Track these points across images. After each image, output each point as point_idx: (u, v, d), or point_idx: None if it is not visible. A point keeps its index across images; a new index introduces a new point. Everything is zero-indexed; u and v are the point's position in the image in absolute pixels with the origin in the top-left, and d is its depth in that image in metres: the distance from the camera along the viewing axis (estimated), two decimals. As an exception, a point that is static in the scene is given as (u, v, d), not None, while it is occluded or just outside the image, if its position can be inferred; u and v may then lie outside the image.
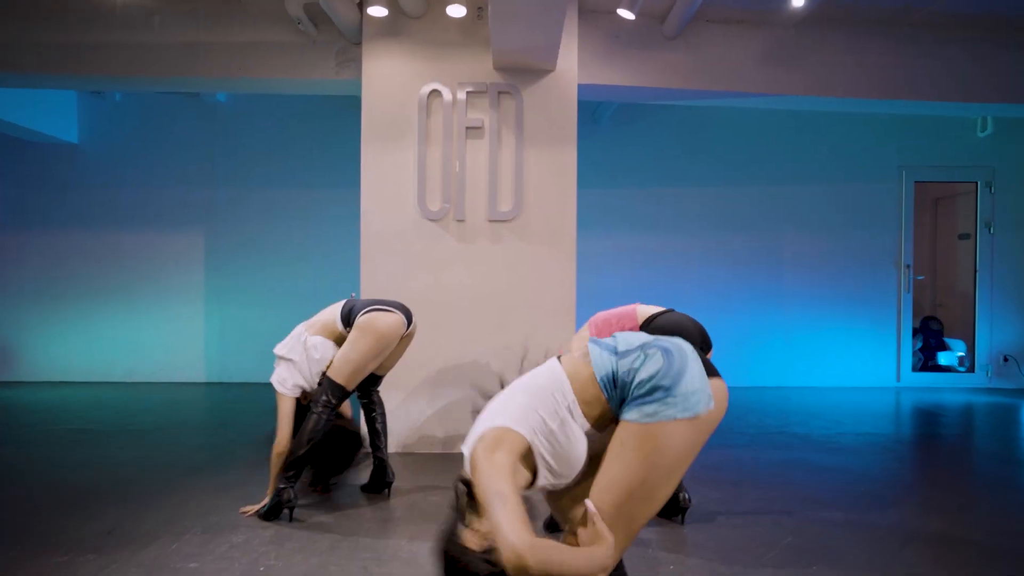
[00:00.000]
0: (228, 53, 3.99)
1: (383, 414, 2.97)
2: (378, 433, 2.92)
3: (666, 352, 1.44)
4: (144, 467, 3.30)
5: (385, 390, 3.07)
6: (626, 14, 3.44)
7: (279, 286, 5.79)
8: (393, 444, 3.58)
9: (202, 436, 4.02)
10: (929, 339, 6.44)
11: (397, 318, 2.73)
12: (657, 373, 1.40)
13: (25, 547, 2.33)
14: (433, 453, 3.69)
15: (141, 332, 5.86)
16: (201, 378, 5.86)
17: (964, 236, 6.42)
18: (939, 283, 7.07)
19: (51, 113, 5.62)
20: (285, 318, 5.60)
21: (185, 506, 2.75)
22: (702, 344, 2.49)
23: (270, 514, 2.59)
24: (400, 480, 3.06)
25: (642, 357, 1.44)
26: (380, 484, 2.91)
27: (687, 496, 2.55)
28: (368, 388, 2.94)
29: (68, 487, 2.99)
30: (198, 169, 5.86)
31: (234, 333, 5.86)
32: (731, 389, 5.17)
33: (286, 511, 2.60)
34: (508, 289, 3.73)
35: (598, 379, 1.44)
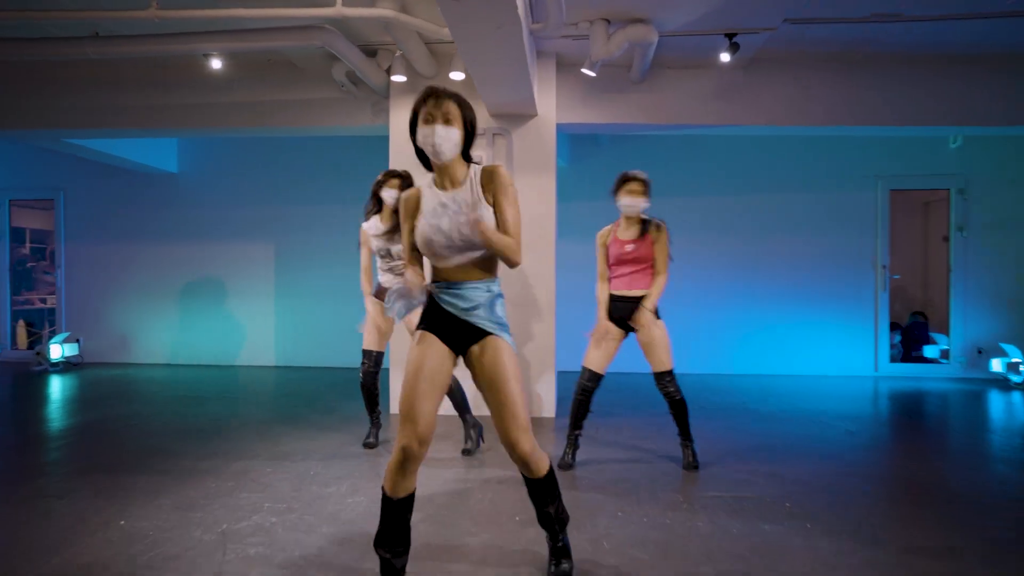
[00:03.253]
0: (288, 108, 5.19)
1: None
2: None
3: None
4: (232, 418, 4.53)
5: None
6: (588, 72, 4.37)
7: (333, 285, 7.01)
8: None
9: (273, 401, 5.24)
10: (914, 333, 6.99)
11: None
12: None
13: (165, 463, 3.54)
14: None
15: (225, 324, 7.23)
16: (272, 362, 7.17)
17: (947, 238, 6.93)
18: (928, 281, 7.56)
19: (157, 150, 7.06)
20: (337, 311, 6.93)
21: (262, 441, 3.92)
22: None
23: None
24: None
25: None
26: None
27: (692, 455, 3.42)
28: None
29: (181, 426, 4.23)
30: (269, 192, 7.18)
31: (297, 325, 7.13)
32: (721, 376, 6.35)
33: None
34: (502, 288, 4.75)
35: None
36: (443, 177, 2.05)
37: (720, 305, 6.69)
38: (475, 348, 2.03)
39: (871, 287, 6.62)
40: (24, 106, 5.38)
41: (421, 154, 2.05)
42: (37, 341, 7.61)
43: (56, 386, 5.95)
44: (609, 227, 3.45)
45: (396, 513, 1.96)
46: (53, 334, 7.39)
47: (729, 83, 4.97)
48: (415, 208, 2.06)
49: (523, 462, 2.04)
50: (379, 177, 3.69)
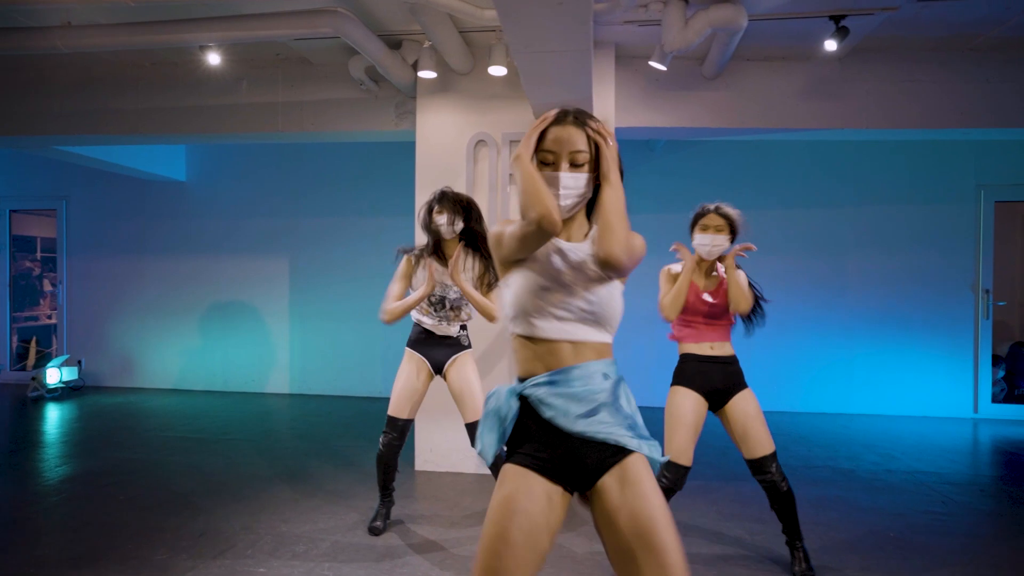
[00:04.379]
0: (304, 110, 4.51)
1: None
2: None
3: None
4: (232, 474, 3.85)
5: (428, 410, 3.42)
6: (658, 66, 3.59)
7: (353, 304, 6.33)
8: (431, 461, 3.95)
9: (282, 446, 4.56)
10: (1018, 365, 6.05)
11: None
12: None
13: (135, 542, 2.86)
14: (470, 473, 4.01)
15: (236, 346, 6.61)
16: (285, 389, 6.52)
17: (1058, 256, 5.97)
18: (1031, 306, 6.60)
19: (164, 158, 6.47)
20: (359, 334, 6.24)
21: (261, 514, 3.23)
22: None
23: None
24: (449, 495, 3.39)
25: None
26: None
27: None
28: None
29: (172, 491, 3.56)
30: (283, 203, 6.54)
31: (314, 349, 6.47)
32: (788, 415, 5.28)
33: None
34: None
35: None
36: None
37: (795, 333, 5.83)
38: (608, 481, 1.33)
39: (970, 314, 5.70)
40: (10, 111, 4.80)
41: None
42: (46, 360, 7.10)
43: (51, 417, 5.38)
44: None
45: None
46: (55, 354, 6.87)
47: (822, 79, 4.14)
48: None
49: None
50: (429, 199, 2.93)
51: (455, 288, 2.87)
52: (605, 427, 1.33)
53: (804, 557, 2.63)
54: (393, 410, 2.92)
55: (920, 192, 5.74)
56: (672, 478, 2.53)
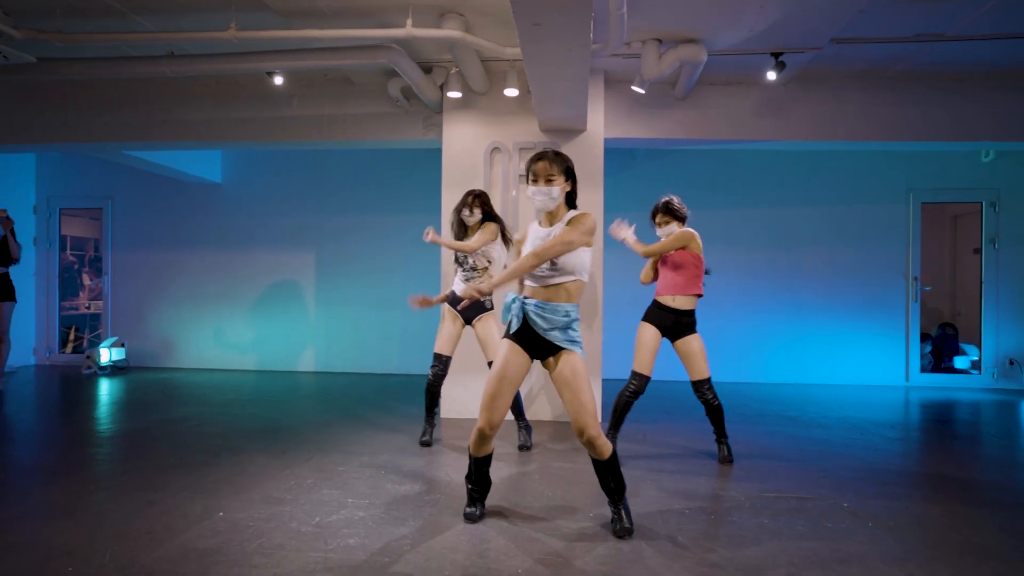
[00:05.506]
0: (344, 122, 5.40)
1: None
2: None
3: None
4: (290, 419, 4.70)
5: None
6: (638, 90, 4.55)
7: (373, 294, 7.19)
8: (453, 410, 4.84)
9: (325, 404, 5.40)
10: (945, 344, 7.08)
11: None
12: None
13: (240, 461, 3.71)
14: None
15: (267, 330, 7.43)
16: (312, 368, 7.35)
17: (978, 250, 7.03)
18: (957, 293, 7.65)
19: (202, 160, 7.30)
20: (378, 320, 7.11)
21: (326, 439, 4.09)
22: None
23: None
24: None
25: None
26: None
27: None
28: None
29: (249, 427, 4.40)
30: (310, 202, 7.40)
31: (338, 332, 7.31)
32: (757, 384, 6.56)
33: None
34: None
35: None
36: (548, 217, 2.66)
37: (755, 315, 6.81)
38: (551, 359, 2.61)
39: (902, 298, 6.73)
40: (92, 121, 5.63)
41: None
42: (80, 346, 7.84)
43: (109, 388, 6.15)
44: None
45: (480, 466, 2.76)
46: (97, 338, 7.62)
47: (769, 100, 5.13)
48: (524, 236, 2.76)
49: (590, 444, 2.55)
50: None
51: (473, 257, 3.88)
52: (554, 337, 2.55)
53: (727, 449, 3.70)
54: (439, 348, 3.88)
55: (860, 195, 6.77)
56: (637, 384, 3.60)
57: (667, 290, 3.59)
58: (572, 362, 2.54)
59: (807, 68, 4.82)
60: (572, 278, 2.53)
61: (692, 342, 3.55)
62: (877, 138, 5.16)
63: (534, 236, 2.63)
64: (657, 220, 3.68)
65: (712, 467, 3.62)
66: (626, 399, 3.62)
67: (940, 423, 5.08)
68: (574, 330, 2.57)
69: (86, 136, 5.63)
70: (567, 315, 2.54)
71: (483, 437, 2.64)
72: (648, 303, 3.70)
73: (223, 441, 4.08)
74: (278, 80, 4.80)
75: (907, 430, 4.70)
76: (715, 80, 5.09)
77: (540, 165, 2.53)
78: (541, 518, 2.79)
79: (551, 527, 2.70)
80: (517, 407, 3.95)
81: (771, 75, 4.50)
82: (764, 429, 4.60)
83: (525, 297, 2.59)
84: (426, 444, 3.96)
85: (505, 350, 2.60)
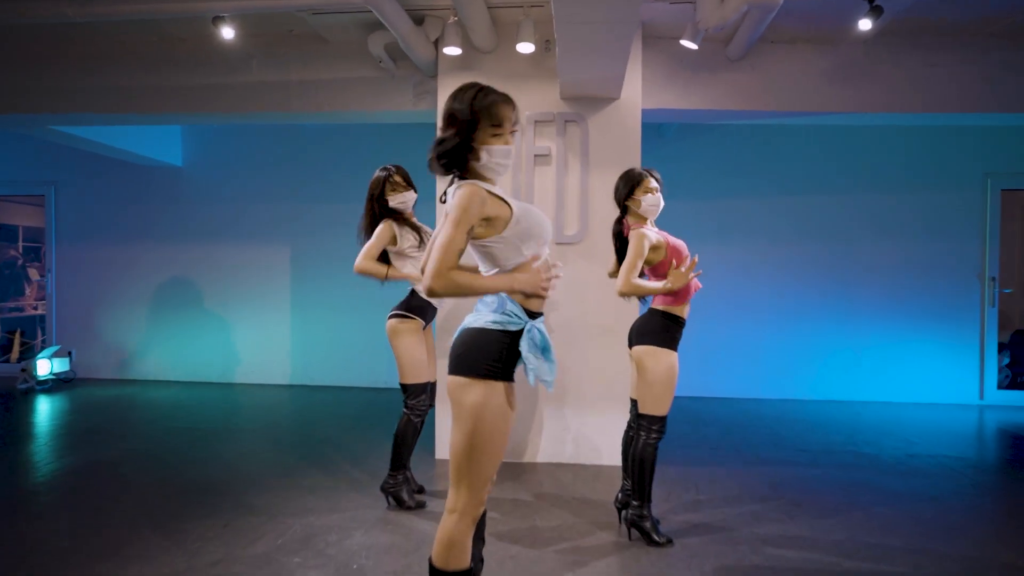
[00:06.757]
0: (317, 89, 4.37)
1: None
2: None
3: None
4: (245, 465, 3.71)
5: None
6: (689, 45, 3.53)
7: (356, 295, 6.18)
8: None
9: (291, 437, 4.42)
10: (1020, 355, 6.13)
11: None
12: None
13: (163, 532, 2.73)
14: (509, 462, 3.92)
15: (234, 337, 6.42)
16: (286, 380, 6.36)
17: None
18: (1031, 294, 6.69)
19: (160, 141, 6.25)
20: (362, 325, 6.10)
21: (285, 505, 3.10)
22: None
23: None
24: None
25: None
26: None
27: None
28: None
29: (189, 481, 3.42)
30: (285, 188, 6.36)
31: (316, 339, 6.32)
32: (797, 402, 5.32)
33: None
34: (574, 309, 3.91)
35: None
36: None
37: (800, 321, 5.84)
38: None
39: (976, 302, 5.76)
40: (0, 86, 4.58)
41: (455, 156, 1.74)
42: (31, 353, 6.83)
43: (46, 408, 5.16)
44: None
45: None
46: (43, 345, 6.61)
47: (844, 63, 4.12)
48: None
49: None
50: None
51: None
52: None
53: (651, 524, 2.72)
54: (424, 376, 3.08)
55: (926, 180, 5.78)
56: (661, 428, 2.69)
57: (685, 297, 2.67)
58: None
59: (897, 21, 3.80)
60: None
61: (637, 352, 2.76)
62: (972, 110, 4.16)
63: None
64: (652, 187, 2.73)
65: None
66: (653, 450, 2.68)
67: (1010, 462, 4.12)
68: None
69: (-2, 106, 4.58)
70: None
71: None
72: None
73: (151, 500, 3.10)
74: (228, 33, 3.76)
75: (975, 469, 3.75)
76: (779, 37, 4.07)
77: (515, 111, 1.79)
78: None
79: None
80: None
81: (864, 24, 3.48)
82: (843, 477, 3.64)
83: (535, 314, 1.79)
84: (421, 505, 3.07)
85: (510, 393, 1.74)
